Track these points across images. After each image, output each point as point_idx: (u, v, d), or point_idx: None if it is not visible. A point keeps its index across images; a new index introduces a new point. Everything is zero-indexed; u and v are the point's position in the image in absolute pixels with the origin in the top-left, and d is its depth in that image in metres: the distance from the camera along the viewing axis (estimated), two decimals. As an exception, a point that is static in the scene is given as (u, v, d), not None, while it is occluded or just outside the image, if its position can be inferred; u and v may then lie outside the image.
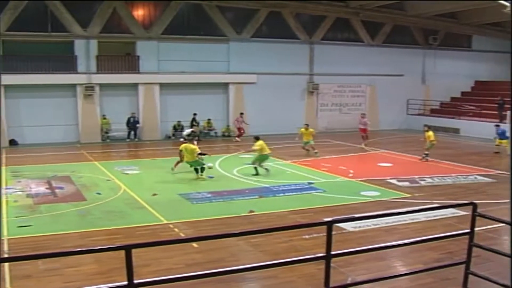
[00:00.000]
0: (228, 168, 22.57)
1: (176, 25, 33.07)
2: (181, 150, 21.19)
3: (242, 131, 33.10)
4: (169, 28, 32.80)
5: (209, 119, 34.34)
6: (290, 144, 30.04)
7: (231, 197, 17.41)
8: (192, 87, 33.61)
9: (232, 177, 21.00)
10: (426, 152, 25.61)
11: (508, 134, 28.16)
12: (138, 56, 32.37)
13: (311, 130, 27.34)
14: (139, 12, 32.67)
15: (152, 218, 14.73)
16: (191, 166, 20.94)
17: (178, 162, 21.57)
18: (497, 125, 28.83)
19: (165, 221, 14.40)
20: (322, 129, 36.45)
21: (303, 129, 27.22)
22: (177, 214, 15.19)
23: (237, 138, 32.62)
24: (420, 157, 25.78)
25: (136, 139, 32.31)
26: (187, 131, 25.91)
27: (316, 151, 26.54)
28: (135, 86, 32.57)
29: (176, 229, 13.69)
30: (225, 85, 35.00)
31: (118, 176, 20.73)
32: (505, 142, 27.86)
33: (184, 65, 32.93)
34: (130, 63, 32.47)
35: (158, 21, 32.58)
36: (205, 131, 33.93)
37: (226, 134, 34.50)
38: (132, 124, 32.14)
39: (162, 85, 32.71)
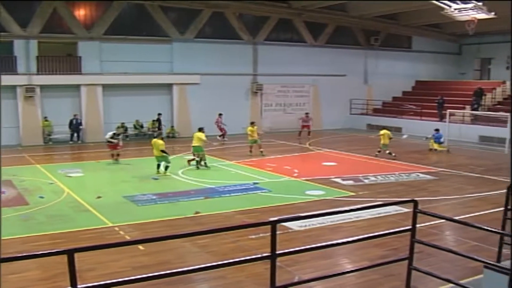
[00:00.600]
0: (173, 169, 22.44)
1: (119, 25, 32.67)
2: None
3: (223, 131, 32.97)
4: (112, 28, 32.37)
5: (154, 120, 34.01)
6: (235, 145, 30.16)
7: (176, 199, 17.32)
8: (136, 88, 33.28)
9: (177, 178, 20.89)
10: (388, 151, 26.28)
11: (442, 140, 29.16)
12: (80, 57, 31.81)
13: (256, 127, 27.37)
14: (81, 12, 32.11)
15: (97, 221, 14.52)
16: (158, 161, 21.51)
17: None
18: (437, 130, 29.57)
19: (110, 224, 14.23)
20: (266, 129, 36.61)
21: (250, 127, 27.17)
22: (122, 217, 15.02)
23: (222, 137, 32.59)
24: (375, 154, 26.51)
25: (80, 141, 31.78)
26: (109, 133, 25.44)
27: (261, 150, 26.66)
28: (77, 87, 31.99)
29: (121, 232, 13.53)
30: (169, 86, 34.78)
31: (61, 179, 20.35)
32: (437, 146, 28.72)
33: (127, 66, 32.56)
34: (72, 64, 31.89)
35: (100, 21, 32.11)
36: (150, 132, 33.61)
37: (171, 135, 34.24)
38: (75, 126, 31.58)
39: (105, 86, 32.24)
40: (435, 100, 36.84)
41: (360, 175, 21.45)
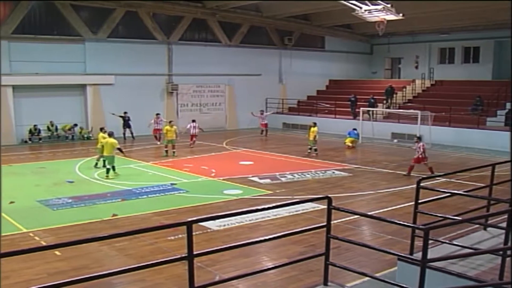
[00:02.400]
0: (88, 172, 22.00)
1: (28, 24, 31.64)
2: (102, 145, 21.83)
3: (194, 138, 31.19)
4: (21, 27, 31.29)
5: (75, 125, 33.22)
6: (151, 145, 29.87)
7: (93, 202, 17.00)
8: (48, 89, 32.31)
9: (93, 181, 20.48)
10: (315, 147, 26.83)
11: (356, 133, 30.19)
12: (-13, 57, 30.66)
13: (175, 127, 27.03)
14: (-13, 11, 30.96)
15: (10, 227, 14.01)
16: (104, 161, 21.58)
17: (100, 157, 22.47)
18: (355, 129, 30.62)
19: (24, 230, 13.80)
20: (182, 129, 36.43)
21: (168, 127, 26.77)
22: (36, 222, 14.60)
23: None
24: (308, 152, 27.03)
25: None
26: None
27: (174, 150, 26.56)
28: (-16, 89, 30.83)
29: (36, 237, 13.15)
30: (82, 86, 34.01)
31: (-31, 185, 19.53)
32: (348, 140, 29.74)
33: (39, 66, 31.59)
34: (-21, 64, 30.65)
35: (8, 20, 31.00)
36: (66, 134, 32.81)
37: (85, 136, 33.43)
38: None
39: (15, 87, 31.15)
40: (348, 99, 37.68)
41: (277, 174, 21.71)
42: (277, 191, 18.69)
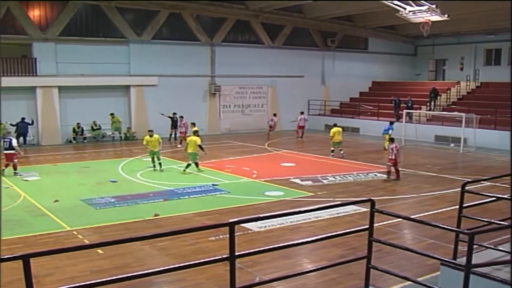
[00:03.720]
0: (131, 172, 22.25)
1: (74, 26, 32.23)
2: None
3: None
4: (67, 29, 31.90)
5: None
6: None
7: (135, 201, 17.18)
8: (92, 89, 32.85)
9: (135, 181, 20.71)
10: (339, 148, 26.70)
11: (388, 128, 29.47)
12: (35, 58, 31.26)
13: (156, 136, 22.94)
14: (35, 13, 31.54)
15: (54, 226, 14.29)
16: (191, 158, 22.51)
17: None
18: (391, 123, 30.04)
19: (68, 228, 14.03)
20: (224, 130, 36.59)
21: (147, 137, 23.08)
22: (80, 220, 14.83)
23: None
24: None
25: (25, 145, 29.93)
26: (14, 140, 22.35)
27: (160, 162, 23.08)
28: (32, 89, 31.44)
29: (80, 236, 13.35)
30: (126, 87, 34.46)
31: (17, 183, 19.97)
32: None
33: (84, 68, 32.17)
34: (27, 65, 31.29)
35: (55, 22, 31.61)
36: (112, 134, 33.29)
37: (129, 136, 33.81)
38: (21, 128, 30.09)
39: (61, 88, 31.76)
40: (391, 101, 37.33)
41: (319, 176, 21.60)
42: (319, 193, 18.61)
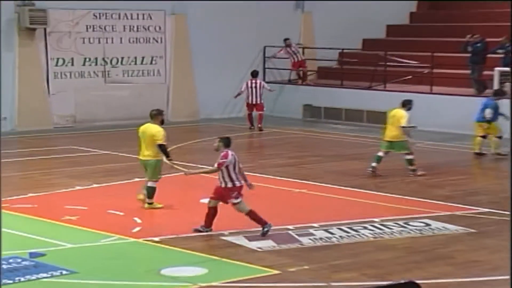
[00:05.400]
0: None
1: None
2: None
3: None
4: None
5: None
6: None
7: None
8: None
9: None
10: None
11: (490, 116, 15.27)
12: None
13: None
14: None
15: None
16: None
17: None
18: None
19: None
20: (61, 120, 17.98)
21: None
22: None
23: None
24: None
25: None
26: None
27: None
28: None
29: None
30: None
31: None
32: (481, 129, 15.37)
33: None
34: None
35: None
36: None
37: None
38: None
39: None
40: (465, 45, 19.24)
41: (298, 225, 9.54)
42: (291, 269, 7.69)
